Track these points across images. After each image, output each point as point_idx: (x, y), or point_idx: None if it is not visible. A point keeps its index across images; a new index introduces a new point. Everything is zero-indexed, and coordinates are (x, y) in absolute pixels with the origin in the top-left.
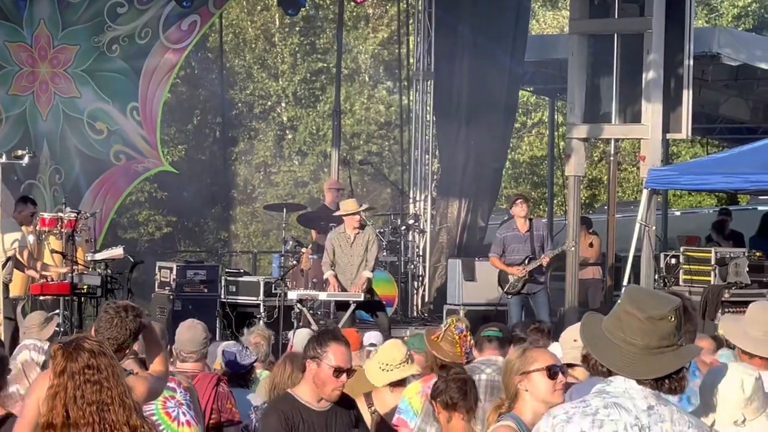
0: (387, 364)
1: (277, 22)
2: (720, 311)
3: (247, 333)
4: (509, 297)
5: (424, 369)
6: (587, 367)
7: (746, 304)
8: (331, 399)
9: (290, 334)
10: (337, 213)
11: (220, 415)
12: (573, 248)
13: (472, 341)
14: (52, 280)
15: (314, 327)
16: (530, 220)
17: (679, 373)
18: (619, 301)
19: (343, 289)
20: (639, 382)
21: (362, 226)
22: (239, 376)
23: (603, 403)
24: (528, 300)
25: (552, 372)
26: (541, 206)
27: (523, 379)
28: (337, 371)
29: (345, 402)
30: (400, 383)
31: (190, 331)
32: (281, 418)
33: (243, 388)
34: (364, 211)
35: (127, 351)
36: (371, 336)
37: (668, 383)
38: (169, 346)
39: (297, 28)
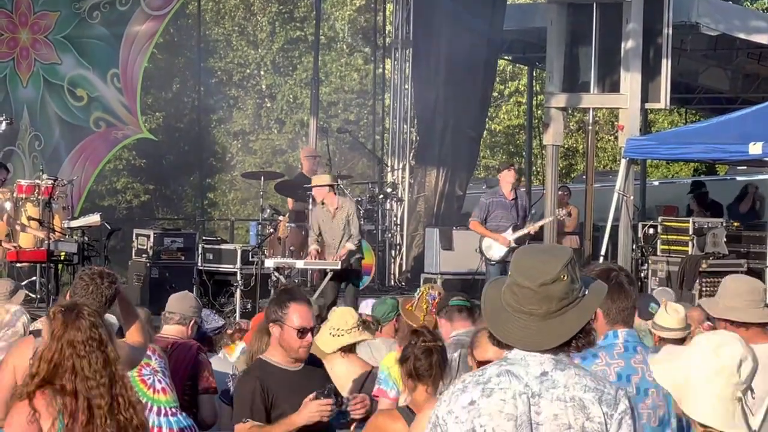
0: (338, 329)
1: None
2: (697, 281)
3: None
4: (492, 264)
5: (400, 338)
6: (493, 342)
7: (724, 274)
8: (299, 358)
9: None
10: (314, 189)
11: (197, 383)
12: (563, 218)
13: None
14: (20, 247)
15: None
16: (515, 189)
17: (585, 327)
18: (509, 270)
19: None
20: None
21: (337, 194)
22: (204, 340)
23: (497, 371)
24: (507, 268)
25: None
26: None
27: (472, 359)
28: (301, 331)
29: (314, 361)
30: (351, 350)
31: (180, 296)
32: (256, 384)
33: (209, 352)
34: (332, 185)
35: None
36: (368, 304)
37: (575, 342)
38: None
39: None
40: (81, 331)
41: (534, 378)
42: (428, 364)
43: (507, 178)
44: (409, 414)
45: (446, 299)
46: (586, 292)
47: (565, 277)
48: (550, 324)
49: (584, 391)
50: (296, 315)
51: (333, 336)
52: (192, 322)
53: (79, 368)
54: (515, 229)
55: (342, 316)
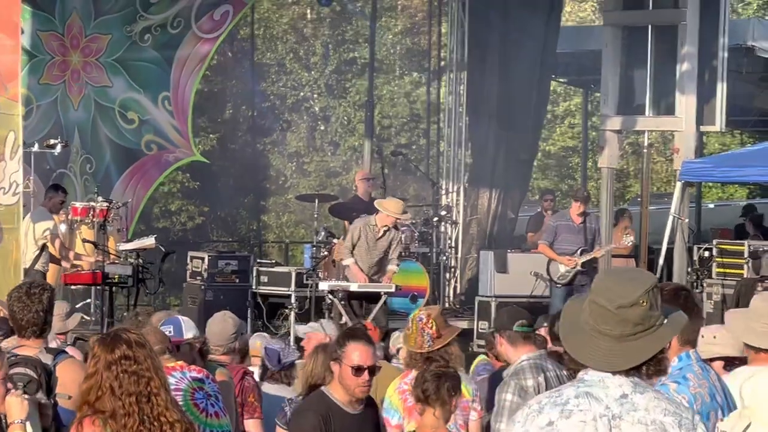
0: None
1: (309, 14)
2: None
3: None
4: (557, 287)
5: (406, 364)
6: (567, 360)
7: None
8: (356, 397)
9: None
10: (378, 207)
11: (242, 409)
12: (630, 243)
13: (434, 329)
14: (83, 269)
15: (345, 318)
16: (584, 214)
17: (657, 355)
18: (589, 290)
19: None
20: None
21: (395, 227)
22: (280, 372)
23: (575, 392)
24: (573, 292)
25: None
26: (568, 198)
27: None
28: (357, 370)
29: (372, 404)
30: None
31: (219, 324)
32: (318, 421)
33: (283, 384)
34: (401, 218)
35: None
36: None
37: (645, 368)
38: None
39: (327, 20)
40: (114, 352)
41: (614, 400)
42: (436, 387)
43: (574, 209)
44: None
45: (509, 321)
46: (665, 322)
47: (644, 303)
48: (622, 346)
49: (664, 415)
50: (353, 353)
51: None
52: (237, 344)
53: (116, 387)
54: (583, 252)
55: None
